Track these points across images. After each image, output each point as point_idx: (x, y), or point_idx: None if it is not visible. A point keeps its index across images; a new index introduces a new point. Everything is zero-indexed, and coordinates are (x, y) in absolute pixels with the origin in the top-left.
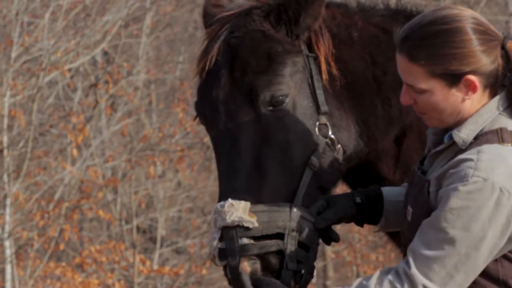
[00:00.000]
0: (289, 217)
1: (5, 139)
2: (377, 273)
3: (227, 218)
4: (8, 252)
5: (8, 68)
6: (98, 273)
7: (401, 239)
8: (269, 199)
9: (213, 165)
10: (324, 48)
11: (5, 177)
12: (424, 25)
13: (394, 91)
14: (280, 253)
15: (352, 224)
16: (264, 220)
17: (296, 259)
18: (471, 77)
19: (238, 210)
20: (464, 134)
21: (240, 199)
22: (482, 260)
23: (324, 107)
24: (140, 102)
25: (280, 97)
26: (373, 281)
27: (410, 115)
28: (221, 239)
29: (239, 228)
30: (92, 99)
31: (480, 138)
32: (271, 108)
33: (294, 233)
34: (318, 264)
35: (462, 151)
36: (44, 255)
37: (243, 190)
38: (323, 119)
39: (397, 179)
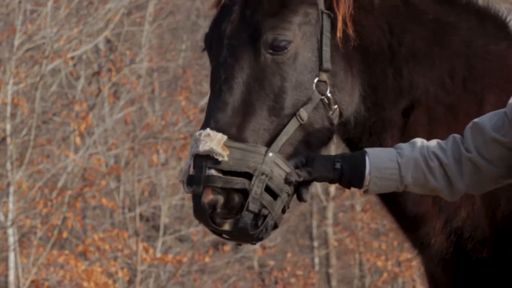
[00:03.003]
0: (262, 160)
1: (8, 127)
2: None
3: (200, 146)
4: (11, 240)
5: (11, 56)
6: (101, 261)
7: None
8: (248, 139)
9: None
10: (344, 7)
11: (8, 165)
12: None
13: (407, 63)
14: (245, 193)
15: (355, 212)
16: (236, 157)
17: (260, 202)
18: None
19: (213, 141)
20: None
21: (219, 131)
22: None
23: (327, 64)
24: (143, 90)
25: (283, 42)
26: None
27: (419, 89)
28: (193, 166)
29: (209, 159)
30: (95, 87)
31: None
32: (271, 51)
33: (263, 177)
34: (321, 252)
35: None
36: (47, 243)
37: (225, 124)
38: (324, 76)
39: None
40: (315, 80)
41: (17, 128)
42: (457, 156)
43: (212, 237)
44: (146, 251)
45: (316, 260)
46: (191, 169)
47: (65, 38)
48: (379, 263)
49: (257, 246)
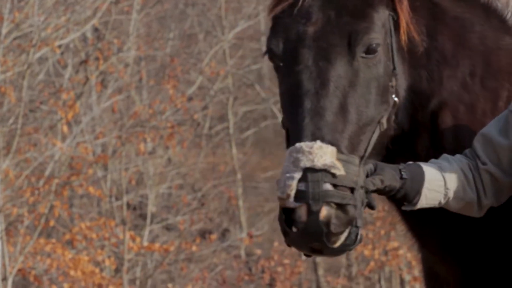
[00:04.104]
0: (359, 173)
1: None
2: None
3: (316, 160)
4: None
5: None
6: (88, 250)
7: None
8: (347, 149)
9: (203, 142)
10: (406, 9)
11: None
12: None
13: (438, 65)
14: (349, 208)
15: None
16: (347, 171)
17: (361, 217)
18: None
19: (327, 155)
20: None
21: (329, 143)
22: None
23: (398, 69)
24: (131, 78)
25: (374, 46)
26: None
27: (446, 91)
28: (301, 180)
29: (326, 172)
30: (82, 76)
31: None
32: (364, 55)
33: (362, 190)
34: None
35: None
36: (34, 231)
37: (333, 135)
38: (394, 81)
39: (430, 155)
40: (390, 84)
41: (4, 116)
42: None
43: (199, 225)
44: (133, 239)
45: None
46: (295, 182)
47: (53, 27)
48: (366, 252)
49: (244, 234)
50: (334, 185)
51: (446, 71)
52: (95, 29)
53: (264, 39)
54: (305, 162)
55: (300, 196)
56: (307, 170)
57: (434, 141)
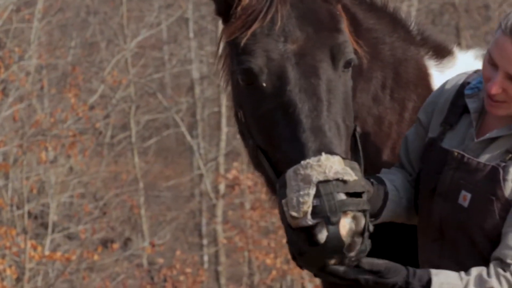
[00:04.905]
0: (362, 177)
1: None
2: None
3: (327, 171)
4: None
5: None
6: None
7: (432, 222)
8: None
9: (105, 151)
10: (346, 22)
11: None
12: None
13: (356, 79)
14: (365, 214)
15: (244, 210)
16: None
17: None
18: None
19: (335, 163)
20: None
21: (332, 154)
22: None
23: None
24: (32, 87)
25: (350, 59)
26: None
27: (357, 104)
28: (314, 196)
29: (337, 182)
30: None
31: None
32: (343, 69)
33: (368, 194)
34: (210, 250)
35: None
36: None
37: (334, 146)
38: None
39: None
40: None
41: None
42: None
43: (101, 234)
44: (35, 248)
45: (206, 258)
46: (310, 198)
47: None
48: (268, 261)
49: (146, 243)
50: (347, 193)
51: (360, 85)
52: None
53: (166, 48)
54: (317, 176)
55: (316, 211)
56: (321, 184)
57: (353, 152)
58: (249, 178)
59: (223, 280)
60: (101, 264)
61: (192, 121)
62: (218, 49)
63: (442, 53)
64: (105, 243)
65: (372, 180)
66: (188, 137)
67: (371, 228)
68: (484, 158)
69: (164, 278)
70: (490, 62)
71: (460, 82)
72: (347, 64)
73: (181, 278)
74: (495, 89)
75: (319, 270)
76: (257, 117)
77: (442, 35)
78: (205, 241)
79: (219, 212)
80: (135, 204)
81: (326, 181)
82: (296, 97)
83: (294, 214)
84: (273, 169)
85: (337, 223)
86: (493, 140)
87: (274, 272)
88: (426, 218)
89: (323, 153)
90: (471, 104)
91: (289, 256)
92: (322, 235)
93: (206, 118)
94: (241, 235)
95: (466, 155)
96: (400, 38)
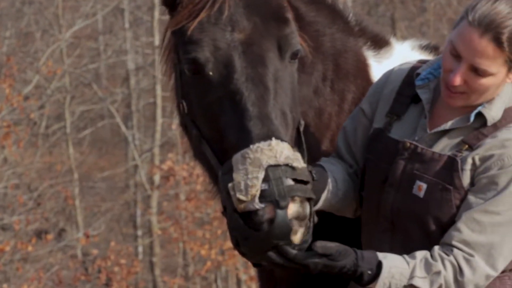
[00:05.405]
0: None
1: None
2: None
3: (278, 155)
4: None
5: None
6: None
7: (382, 213)
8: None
9: (40, 141)
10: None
11: None
12: None
13: (299, 73)
14: (310, 202)
15: (179, 201)
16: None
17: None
18: None
19: (285, 149)
20: (494, 112)
21: (282, 140)
22: None
23: None
24: None
25: (297, 50)
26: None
27: (300, 98)
28: (263, 180)
29: (287, 167)
30: None
31: (504, 115)
32: (290, 60)
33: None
34: (145, 241)
35: (477, 129)
36: None
37: (279, 133)
38: None
39: None
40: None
41: None
42: None
43: (35, 225)
44: None
45: (140, 249)
46: (259, 182)
47: None
48: (203, 252)
49: (80, 234)
50: (294, 180)
51: (302, 78)
52: None
53: (102, 38)
54: (267, 160)
55: (265, 195)
56: (270, 168)
57: (297, 146)
58: (184, 169)
59: (157, 271)
60: (35, 255)
61: (127, 112)
62: (162, 40)
63: (379, 43)
64: (39, 234)
65: (314, 170)
66: (123, 128)
67: (316, 219)
68: (437, 148)
69: (99, 269)
70: (453, 53)
71: (405, 72)
72: (294, 55)
73: (116, 269)
74: (458, 80)
75: (264, 256)
76: (203, 107)
77: (378, 26)
78: (139, 232)
79: (154, 203)
80: (70, 195)
81: (276, 166)
82: (243, 86)
83: (241, 197)
84: (217, 159)
85: (285, 208)
86: (447, 131)
87: (209, 263)
88: (375, 209)
89: (273, 138)
90: (423, 95)
91: (224, 247)
92: (270, 219)
93: (141, 109)
94: (176, 226)
95: (419, 145)
96: (339, 30)
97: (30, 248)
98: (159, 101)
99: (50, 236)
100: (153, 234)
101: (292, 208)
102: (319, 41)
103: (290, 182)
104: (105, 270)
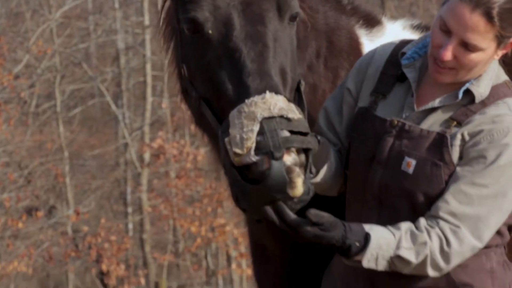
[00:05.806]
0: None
1: None
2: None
3: (272, 107)
4: None
5: None
6: None
7: (369, 190)
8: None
9: (30, 120)
10: None
11: None
12: None
13: (297, 51)
14: (308, 153)
15: (169, 178)
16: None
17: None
18: None
19: (280, 101)
20: (482, 88)
21: (277, 93)
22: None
23: None
24: None
25: (295, 13)
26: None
27: (296, 74)
28: (258, 133)
29: (282, 119)
30: None
31: (492, 92)
32: (289, 21)
33: (312, 139)
34: (135, 218)
35: (465, 106)
36: None
37: (276, 87)
38: None
39: None
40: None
41: None
42: None
43: (26, 202)
44: None
45: (130, 226)
46: (254, 135)
47: None
48: (193, 229)
49: (71, 211)
50: (291, 132)
51: (298, 55)
52: None
53: (92, 18)
54: (261, 113)
55: (260, 147)
56: (265, 121)
57: (298, 103)
58: (174, 147)
59: (147, 248)
60: (25, 232)
61: (117, 91)
62: (163, 2)
63: (371, 22)
64: (30, 211)
65: (319, 138)
66: (113, 107)
67: (314, 170)
68: (425, 125)
69: (89, 245)
70: (443, 28)
71: (389, 52)
72: (293, 17)
73: (106, 245)
74: (448, 55)
75: (261, 213)
76: (202, 67)
77: (369, 6)
78: (130, 210)
79: (144, 180)
80: (60, 173)
81: (270, 118)
82: (242, 43)
83: (237, 151)
84: (217, 119)
85: (280, 158)
86: (434, 108)
87: (199, 240)
88: (362, 187)
89: (267, 91)
90: (409, 74)
91: (215, 224)
92: (265, 171)
93: (131, 88)
94: (166, 203)
95: (407, 122)
96: (332, 8)
97: (20, 225)
98: (149, 80)
99: (40, 213)
100: (143, 211)
101: (288, 159)
102: (313, 18)
103: (285, 133)
104: (96, 246)
